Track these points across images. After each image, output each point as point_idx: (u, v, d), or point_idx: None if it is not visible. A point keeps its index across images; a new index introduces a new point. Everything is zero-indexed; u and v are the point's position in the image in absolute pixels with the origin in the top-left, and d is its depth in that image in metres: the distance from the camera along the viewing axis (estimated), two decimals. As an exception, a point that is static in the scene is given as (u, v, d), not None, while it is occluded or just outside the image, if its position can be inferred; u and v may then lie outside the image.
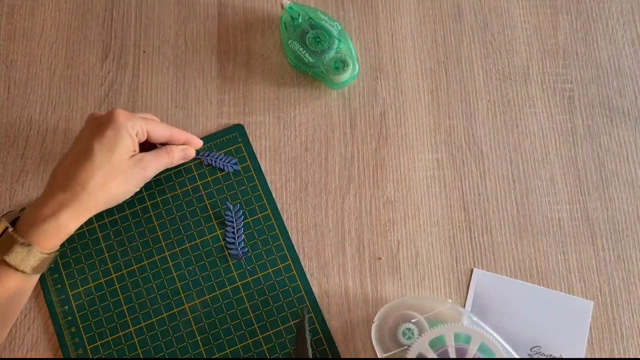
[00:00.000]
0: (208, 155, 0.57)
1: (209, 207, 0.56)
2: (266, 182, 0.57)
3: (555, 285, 0.55)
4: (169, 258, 0.54)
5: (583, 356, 0.53)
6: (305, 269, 0.55)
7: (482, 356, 0.46)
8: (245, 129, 0.58)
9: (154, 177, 0.53)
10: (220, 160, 0.57)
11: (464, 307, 0.54)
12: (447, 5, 0.63)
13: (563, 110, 0.60)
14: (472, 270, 0.55)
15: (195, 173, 0.56)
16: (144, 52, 0.60)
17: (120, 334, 0.52)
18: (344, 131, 0.59)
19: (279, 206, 0.56)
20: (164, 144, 0.53)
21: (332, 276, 0.55)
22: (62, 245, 0.52)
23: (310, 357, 0.48)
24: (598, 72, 0.61)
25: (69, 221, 0.46)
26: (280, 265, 0.54)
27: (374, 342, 0.50)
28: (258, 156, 0.57)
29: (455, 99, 0.60)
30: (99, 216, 0.54)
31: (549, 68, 0.61)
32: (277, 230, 0.55)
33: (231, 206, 0.55)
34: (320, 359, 0.52)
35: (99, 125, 0.48)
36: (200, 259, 0.54)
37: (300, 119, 0.59)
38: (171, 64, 0.60)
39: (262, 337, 0.53)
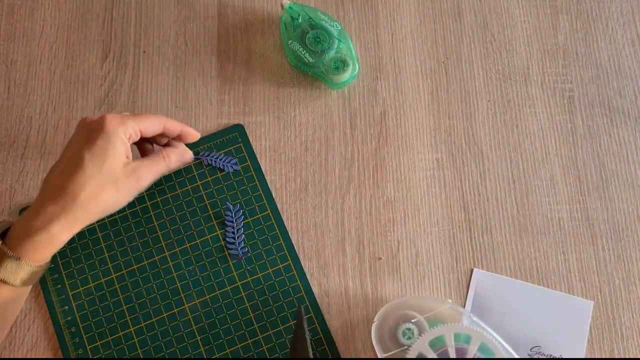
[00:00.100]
0: (208, 155, 0.57)
1: (209, 207, 0.56)
2: (266, 182, 0.57)
3: (555, 285, 0.55)
4: (169, 258, 0.54)
5: (583, 356, 0.53)
6: (305, 269, 0.55)
7: (482, 356, 0.46)
8: (245, 129, 0.58)
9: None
10: (220, 160, 0.57)
11: (464, 307, 0.54)
12: (447, 5, 0.63)
13: (563, 110, 0.60)
14: (472, 270, 0.55)
15: (195, 173, 0.56)
16: (144, 52, 0.60)
17: (120, 334, 0.52)
18: (344, 131, 0.59)
19: (279, 206, 0.56)
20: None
21: (332, 276, 0.55)
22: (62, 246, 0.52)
23: (311, 357, 0.48)
24: (598, 72, 0.61)
25: (60, 233, 0.45)
26: (280, 265, 0.54)
27: (374, 342, 0.50)
28: (258, 156, 0.57)
29: (455, 99, 0.60)
30: (99, 216, 0.54)
31: (549, 68, 0.61)
32: (277, 230, 0.55)
33: (231, 206, 0.55)
34: (320, 359, 0.52)
35: (89, 132, 0.47)
36: (200, 259, 0.54)
37: (300, 119, 0.59)
38: (171, 64, 0.60)
39: (262, 337, 0.53)
